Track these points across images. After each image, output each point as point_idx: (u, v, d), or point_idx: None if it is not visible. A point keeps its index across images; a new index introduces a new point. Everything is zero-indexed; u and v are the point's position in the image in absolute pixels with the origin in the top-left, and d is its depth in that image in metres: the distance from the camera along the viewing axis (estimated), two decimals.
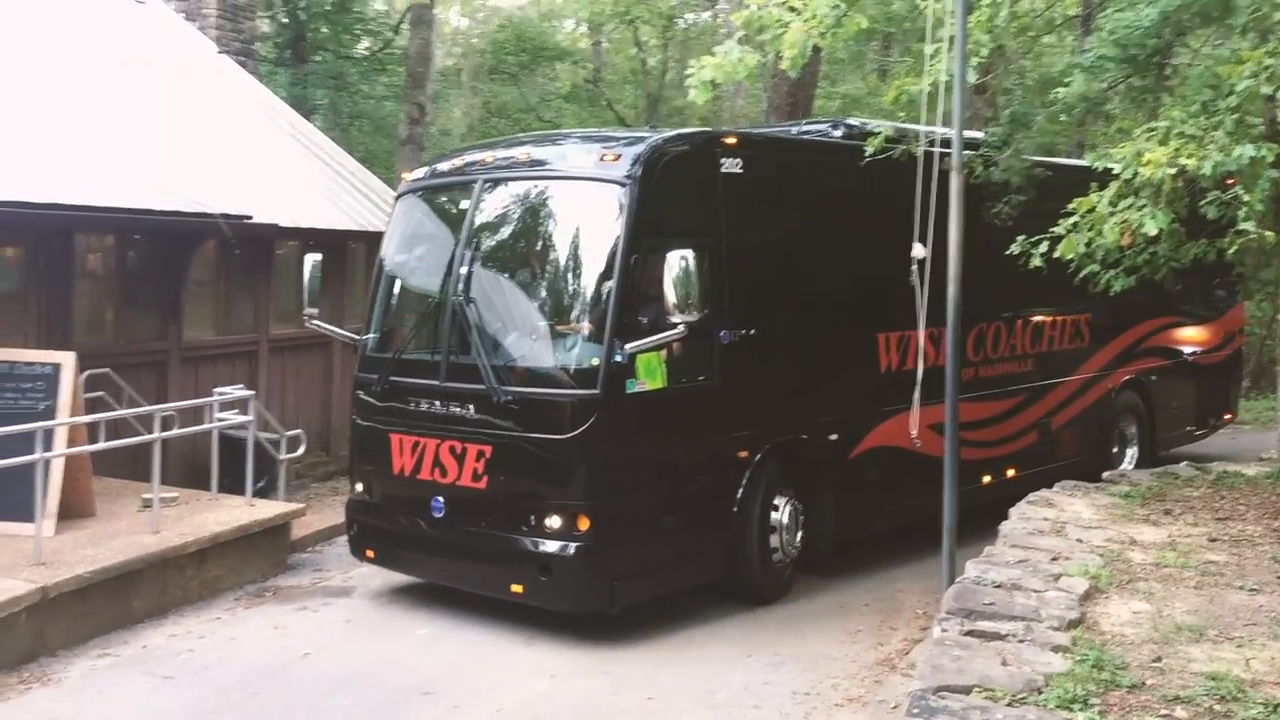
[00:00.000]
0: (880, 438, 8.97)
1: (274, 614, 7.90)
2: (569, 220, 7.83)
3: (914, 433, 7.70)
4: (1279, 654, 5.12)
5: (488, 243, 7.96)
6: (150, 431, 8.53)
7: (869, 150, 8.31)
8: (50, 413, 8.39)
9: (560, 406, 7.26)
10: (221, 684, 6.71)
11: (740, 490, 7.89)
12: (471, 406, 7.52)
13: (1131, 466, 11.16)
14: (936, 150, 7.29)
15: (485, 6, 29.51)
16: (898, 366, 9.11)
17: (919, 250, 7.10)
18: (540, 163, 8.02)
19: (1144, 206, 6.90)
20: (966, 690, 4.58)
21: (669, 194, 7.62)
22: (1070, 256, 7.36)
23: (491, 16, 29.11)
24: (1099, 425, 11.34)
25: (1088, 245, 7.26)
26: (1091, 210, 7.23)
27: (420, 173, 8.81)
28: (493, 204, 8.06)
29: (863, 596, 8.37)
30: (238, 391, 9.73)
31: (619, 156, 7.51)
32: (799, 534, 8.38)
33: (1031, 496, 8.55)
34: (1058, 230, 7.40)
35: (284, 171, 13.02)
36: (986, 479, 9.94)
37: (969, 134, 7.95)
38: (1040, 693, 4.58)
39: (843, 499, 8.71)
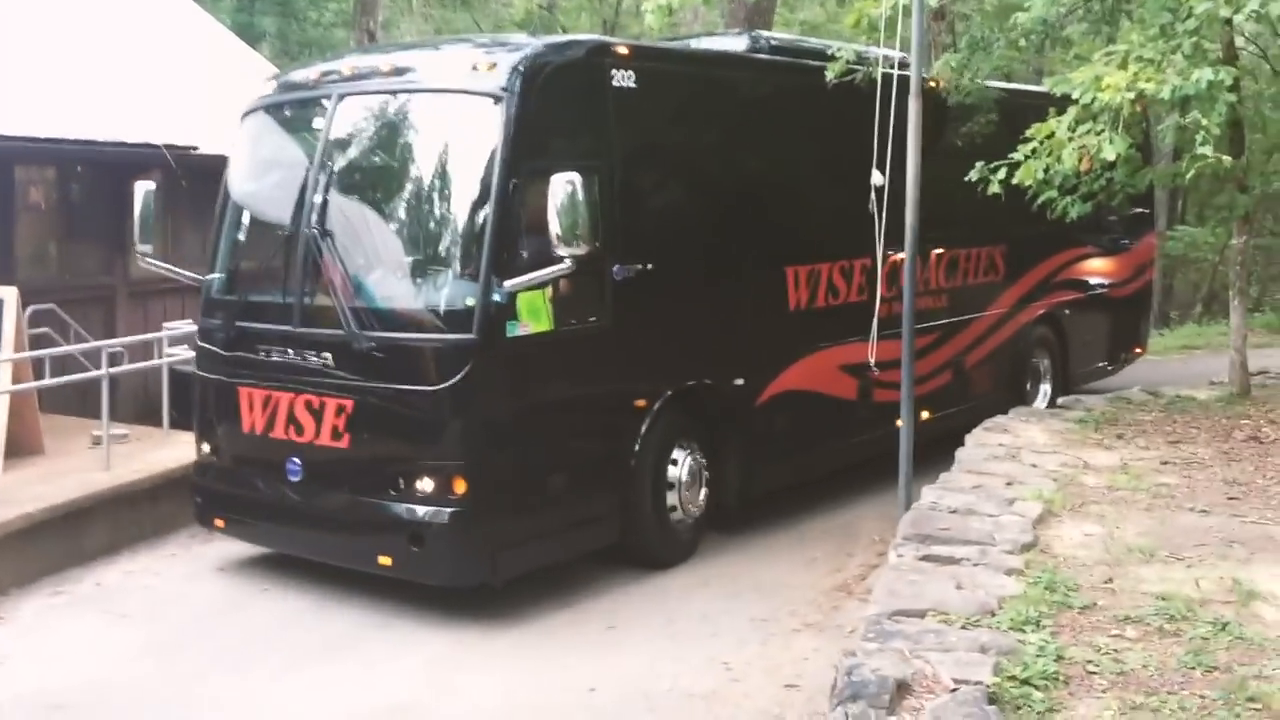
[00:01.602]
0: (790, 381, 8.30)
1: (230, 550, 7.83)
2: (438, 139, 6.87)
3: (872, 360, 7.65)
4: (1228, 574, 5.20)
5: (345, 167, 6.98)
6: (98, 368, 8.37)
7: (830, 74, 8.04)
8: None
9: (430, 353, 6.41)
10: (178, 620, 6.66)
11: (637, 444, 7.10)
12: (329, 355, 6.63)
13: (1044, 404, 10.81)
14: (892, 73, 7.19)
15: None
16: (807, 304, 8.42)
17: (877, 177, 7.06)
18: (404, 72, 7.04)
19: (1102, 131, 6.87)
20: (921, 614, 4.61)
21: (552, 109, 6.72)
22: (1028, 182, 7.34)
23: None
24: (1012, 362, 10.80)
25: (1046, 171, 7.24)
26: (1050, 136, 7.20)
27: (270, 86, 7.70)
28: (350, 121, 7.05)
29: (820, 524, 8.41)
30: (187, 327, 9.56)
31: (494, 65, 6.57)
32: (702, 490, 7.64)
33: (987, 423, 8.61)
34: (1015, 156, 7.37)
35: (230, 102, 12.69)
36: (900, 423, 9.54)
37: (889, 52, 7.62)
38: (994, 615, 4.63)
39: (750, 450, 7.97)
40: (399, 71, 7.03)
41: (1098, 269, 11.75)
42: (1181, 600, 4.83)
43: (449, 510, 6.30)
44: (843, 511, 8.66)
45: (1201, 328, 20.72)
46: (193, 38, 13.54)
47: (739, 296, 7.93)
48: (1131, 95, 6.72)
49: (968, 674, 4.03)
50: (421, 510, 6.35)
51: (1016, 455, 7.40)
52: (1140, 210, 11.82)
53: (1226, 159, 7.43)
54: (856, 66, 8.02)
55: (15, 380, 8.25)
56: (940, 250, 9.52)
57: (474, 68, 6.63)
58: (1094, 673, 4.17)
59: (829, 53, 8.55)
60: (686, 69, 7.98)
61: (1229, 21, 7.15)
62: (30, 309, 9.10)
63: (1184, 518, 6.10)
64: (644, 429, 7.13)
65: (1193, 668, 4.21)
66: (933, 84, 8.28)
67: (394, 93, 6.98)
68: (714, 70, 8.20)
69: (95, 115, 10.10)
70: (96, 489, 7.76)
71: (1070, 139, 7.02)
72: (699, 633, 6.39)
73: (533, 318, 6.47)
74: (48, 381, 8.50)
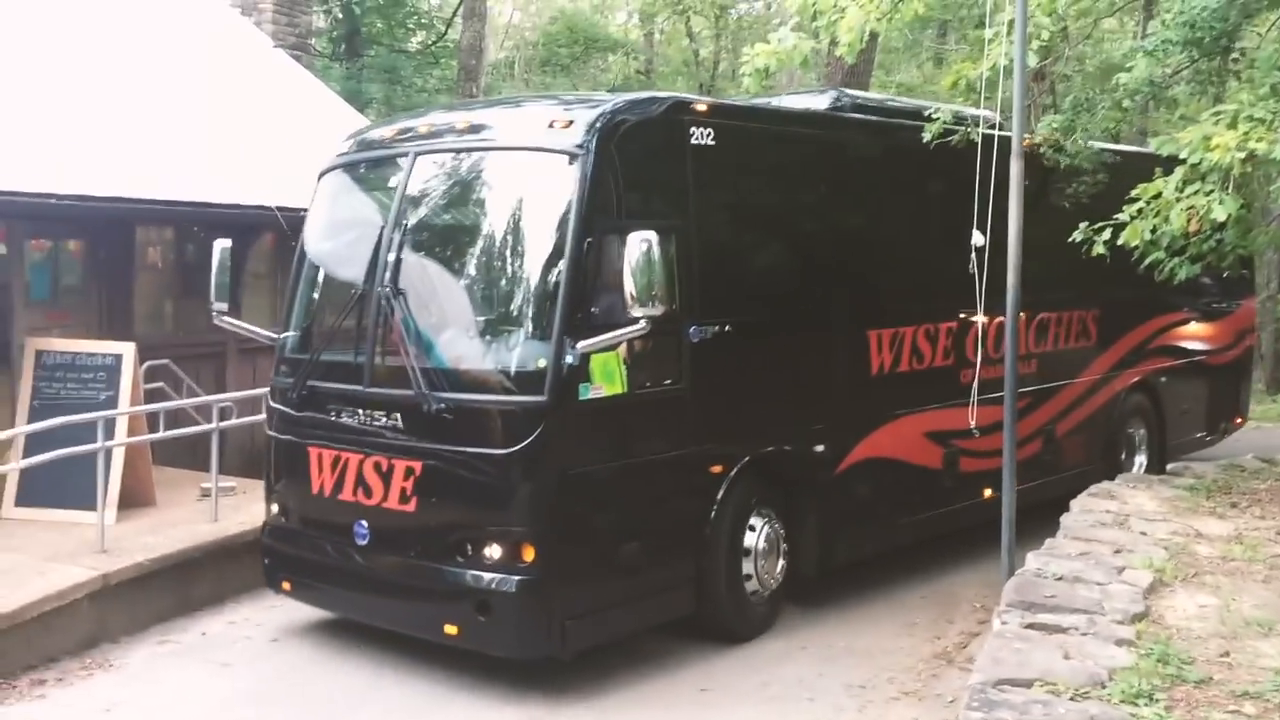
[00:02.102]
0: (872, 448, 7.99)
1: None
2: (513, 197, 6.70)
3: (973, 423, 7.50)
4: None
5: (420, 225, 6.85)
6: (209, 421, 8.62)
7: (927, 135, 8.02)
8: (112, 403, 8.53)
9: (501, 415, 6.21)
10: (275, 672, 6.78)
11: (713, 511, 6.85)
12: (399, 416, 6.47)
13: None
14: (992, 134, 7.15)
15: None
16: (890, 368, 8.14)
17: (978, 238, 6.99)
18: (481, 130, 6.92)
19: (1211, 192, 6.73)
20: (1028, 684, 4.49)
21: (629, 167, 6.50)
22: (1135, 243, 7.21)
23: (544, 9, 29.20)
24: (1106, 431, 10.33)
25: (1153, 232, 7.10)
26: (1157, 196, 7.07)
27: (347, 144, 7.60)
28: (426, 179, 6.92)
29: (919, 590, 8.25)
30: None
31: (571, 123, 6.44)
32: (780, 561, 7.34)
33: (1093, 489, 8.39)
34: (1121, 217, 7.25)
35: None
36: (988, 493, 8.53)
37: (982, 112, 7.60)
38: (1104, 687, 4.48)
39: (830, 519, 7.66)
40: (475, 129, 6.91)
41: (1195, 334, 11.35)
42: None
43: (517, 578, 6.07)
44: (942, 577, 8.50)
45: None
46: (305, 103, 14.03)
47: (819, 360, 7.73)
48: (1242, 155, 6.58)
49: None
50: (489, 578, 6.14)
51: (1124, 522, 7.20)
52: (1240, 273, 11.13)
53: None
54: (954, 127, 7.98)
55: (130, 433, 8.53)
56: (1031, 313, 9.05)
57: (550, 125, 6.51)
58: None
59: (919, 112, 8.54)
60: (767, 127, 7.76)
61: None
62: (146, 364, 9.44)
63: None
64: (720, 496, 6.88)
65: None
66: (1026, 143, 8.13)
67: (470, 150, 6.87)
68: (795, 128, 8.04)
69: (212, 177, 10.50)
70: (204, 540, 7.97)
71: (1178, 199, 6.88)
72: (795, 697, 6.30)
73: (606, 380, 6.27)
74: (161, 435, 8.77)
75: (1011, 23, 6.95)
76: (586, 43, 25.74)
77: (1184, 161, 6.96)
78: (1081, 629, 5.13)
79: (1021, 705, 4.26)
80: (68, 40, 11.23)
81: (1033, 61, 8.16)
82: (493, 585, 6.12)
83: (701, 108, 7.09)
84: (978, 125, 7.90)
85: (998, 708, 4.24)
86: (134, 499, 8.61)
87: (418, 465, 6.36)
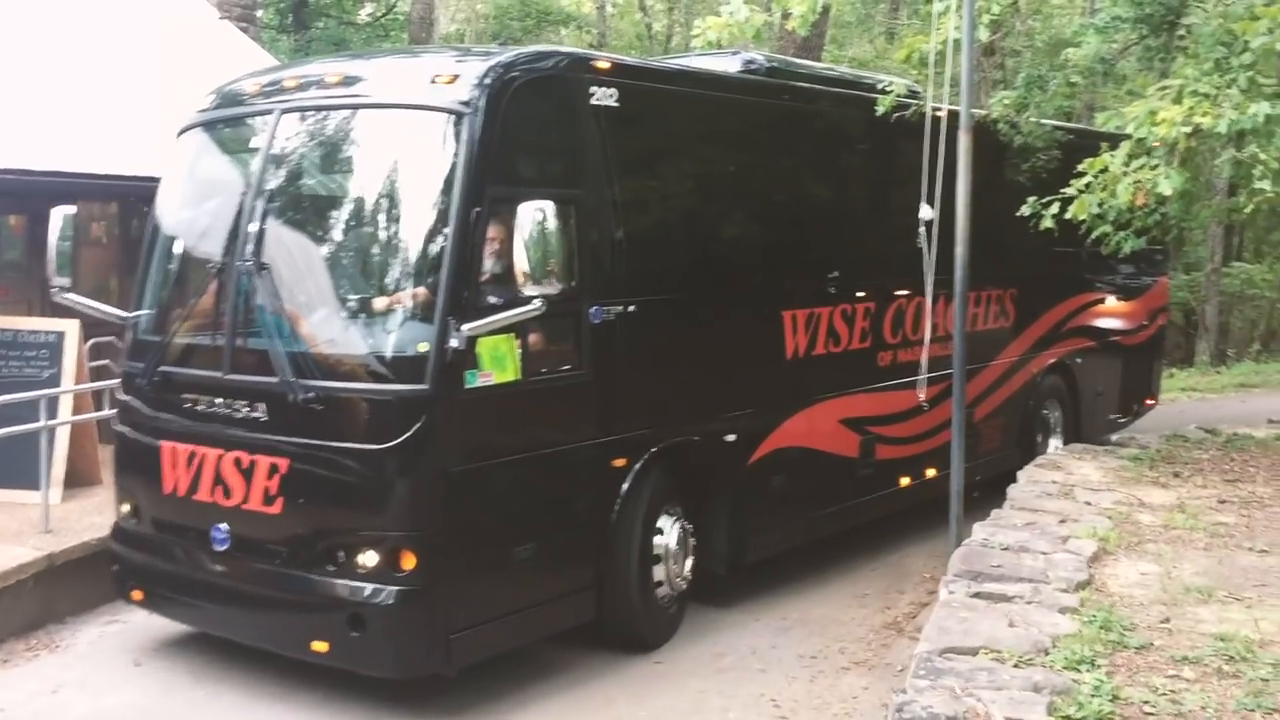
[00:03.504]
0: (786, 437, 7.49)
1: None
2: (391, 161, 6.03)
3: (923, 396, 7.54)
4: None
5: (285, 192, 6.18)
6: None
7: (880, 109, 7.92)
8: (55, 380, 8.39)
9: (377, 407, 5.60)
10: (229, 649, 6.72)
11: (615, 508, 6.32)
12: (263, 406, 5.79)
13: None
14: (940, 108, 7.17)
15: None
16: (806, 351, 7.64)
17: (926, 211, 7.01)
18: (355, 84, 6.24)
19: (1157, 166, 6.82)
20: (973, 652, 4.56)
21: (522, 129, 5.94)
22: (1082, 217, 7.29)
23: None
24: (1023, 414, 9.95)
25: (1100, 206, 7.18)
26: (1104, 170, 7.15)
27: (209, 99, 6.77)
28: (293, 140, 6.23)
29: (870, 561, 8.33)
30: None
31: (456, 78, 5.77)
32: (689, 560, 6.87)
33: (1039, 459, 8.53)
34: (1069, 190, 7.32)
35: None
36: (905, 481, 8.52)
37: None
38: (1048, 654, 4.56)
39: (742, 514, 7.19)
40: (349, 83, 6.22)
41: (1110, 313, 11.10)
42: (1240, 641, 4.74)
43: (395, 589, 5.46)
44: (893, 549, 8.59)
45: (1259, 366, 20.40)
46: None
47: (731, 343, 7.17)
48: (1187, 129, 6.66)
49: (1021, 713, 3.98)
50: (363, 588, 5.51)
51: (1070, 492, 7.31)
52: (1154, 250, 10.99)
53: None
54: (908, 100, 7.95)
55: (76, 411, 8.39)
56: (950, 293, 8.15)
57: (433, 80, 5.83)
58: (1151, 714, 4.10)
59: (839, 79, 8.42)
60: (674, 89, 7.09)
61: None
62: (91, 341, 9.28)
63: (1242, 557, 5.99)
64: (624, 491, 6.33)
65: (1252, 710, 4.13)
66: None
67: (342, 108, 6.19)
68: (705, 91, 7.30)
69: (155, 150, 10.32)
70: None
71: (1125, 173, 6.96)
72: (748, 668, 6.35)
73: (496, 366, 5.68)
74: (106, 413, 8.63)
75: None
76: (539, 16, 25.46)
77: (1129, 137, 7.04)
78: (1026, 597, 5.22)
79: (967, 673, 4.33)
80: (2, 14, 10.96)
81: (983, 36, 8.20)
82: (367, 597, 5.48)
83: (603, 65, 6.43)
84: (913, 96, 7.94)
85: (944, 675, 4.30)
86: (81, 478, 8.48)
87: (283, 462, 5.70)
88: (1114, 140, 7.49)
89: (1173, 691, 4.26)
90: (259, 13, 16.70)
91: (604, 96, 6.30)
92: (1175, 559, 5.93)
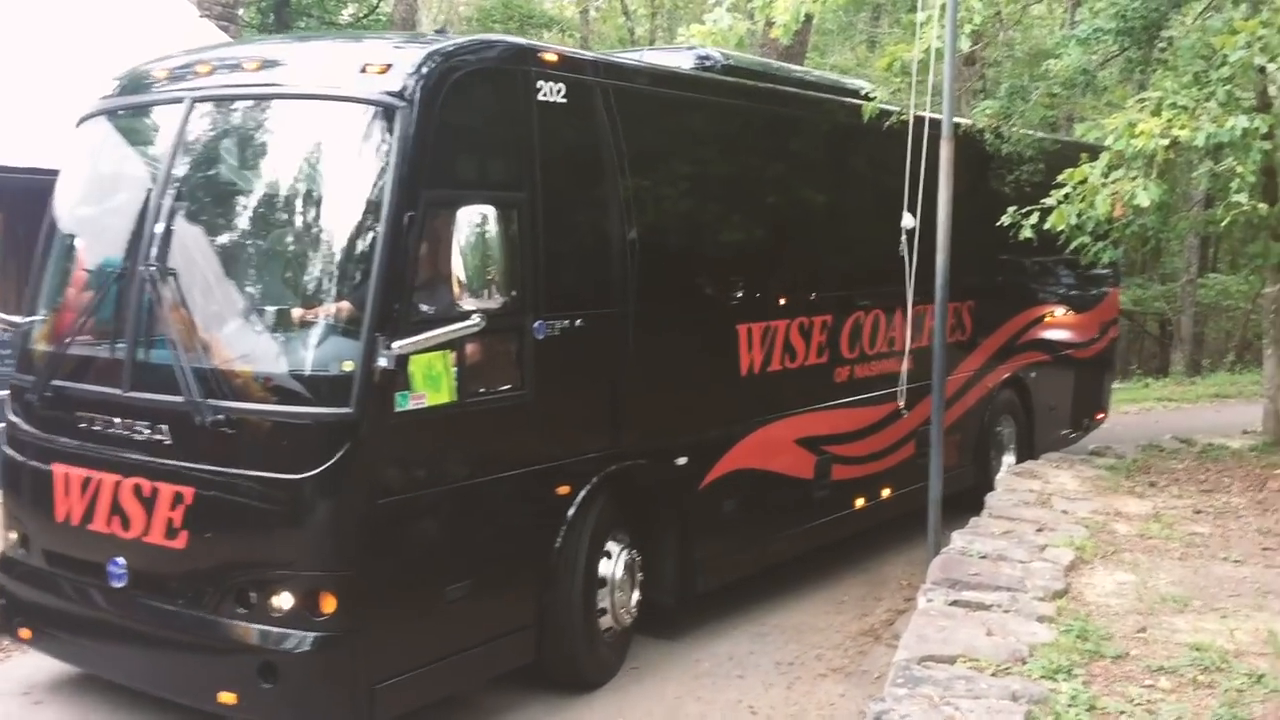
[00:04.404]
0: (739, 459, 7.03)
1: None
2: (314, 158, 5.47)
3: (902, 404, 7.57)
4: (1262, 625, 5.14)
5: (198, 189, 5.53)
6: None
7: (865, 116, 7.90)
8: None
9: (295, 431, 4.96)
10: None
11: (559, 538, 5.82)
12: (166, 428, 5.18)
13: None
14: (923, 115, 7.21)
15: None
16: (761, 367, 7.18)
17: (909, 220, 7.04)
18: (277, 72, 5.62)
19: (1136, 177, 6.88)
20: (951, 660, 4.57)
21: (462, 125, 5.39)
22: (1061, 228, 7.35)
23: None
24: (979, 430, 9.58)
25: (1079, 217, 7.24)
26: (1083, 182, 7.20)
27: (113, 86, 6.10)
28: (205, 132, 5.59)
29: (848, 568, 8.35)
30: None
31: (389, 67, 5.19)
32: (636, 592, 6.40)
33: (1017, 468, 8.59)
34: (1048, 201, 7.38)
35: None
36: (860, 502, 8.14)
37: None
38: (1025, 663, 4.58)
39: (693, 542, 6.71)
40: (270, 70, 5.60)
41: (1063, 327, 10.85)
42: (1216, 651, 4.77)
43: (312, 635, 4.89)
44: (870, 555, 8.60)
45: (1234, 376, 20.56)
46: None
47: (684, 359, 6.69)
48: (1165, 141, 6.73)
49: None
50: (276, 634, 4.93)
51: (1047, 501, 7.36)
52: (1109, 262, 10.60)
53: (1261, 206, 7.42)
54: (889, 108, 7.96)
55: None
56: (901, 308, 7.96)
57: (363, 69, 5.25)
58: None
59: (801, 80, 8.19)
60: (627, 85, 6.47)
61: (1263, 70, 7.15)
62: None
63: (1218, 567, 6.04)
64: (568, 520, 5.85)
65: None
66: (902, 120, 7.76)
67: (261, 98, 5.57)
68: (659, 89, 6.77)
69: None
70: None
71: (1104, 184, 7.02)
72: (725, 674, 6.34)
73: (429, 387, 5.12)
74: None
75: (944, 6, 7.02)
76: (521, 19, 25.45)
77: (1102, 148, 7.10)
78: (1004, 606, 5.24)
79: (945, 681, 4.34)
80: None
81: (965, 45, 8.24)
82: (281, 644, 4.91)
83: (550, 58, 5.88)
84: (868, 99, 7.88)
85: (922, 683, 4.32)
86: None
87: (188, 491, 5.10)
88: (1091, 150, 7.53)
89: (1149, 701, 4.29)
90: (240, 11, 16.61)
91: (551, 92, 5.79)
92: (1151, 569, 5.97)
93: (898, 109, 7.84)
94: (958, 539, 6.36)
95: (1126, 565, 6.02)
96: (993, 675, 4.44)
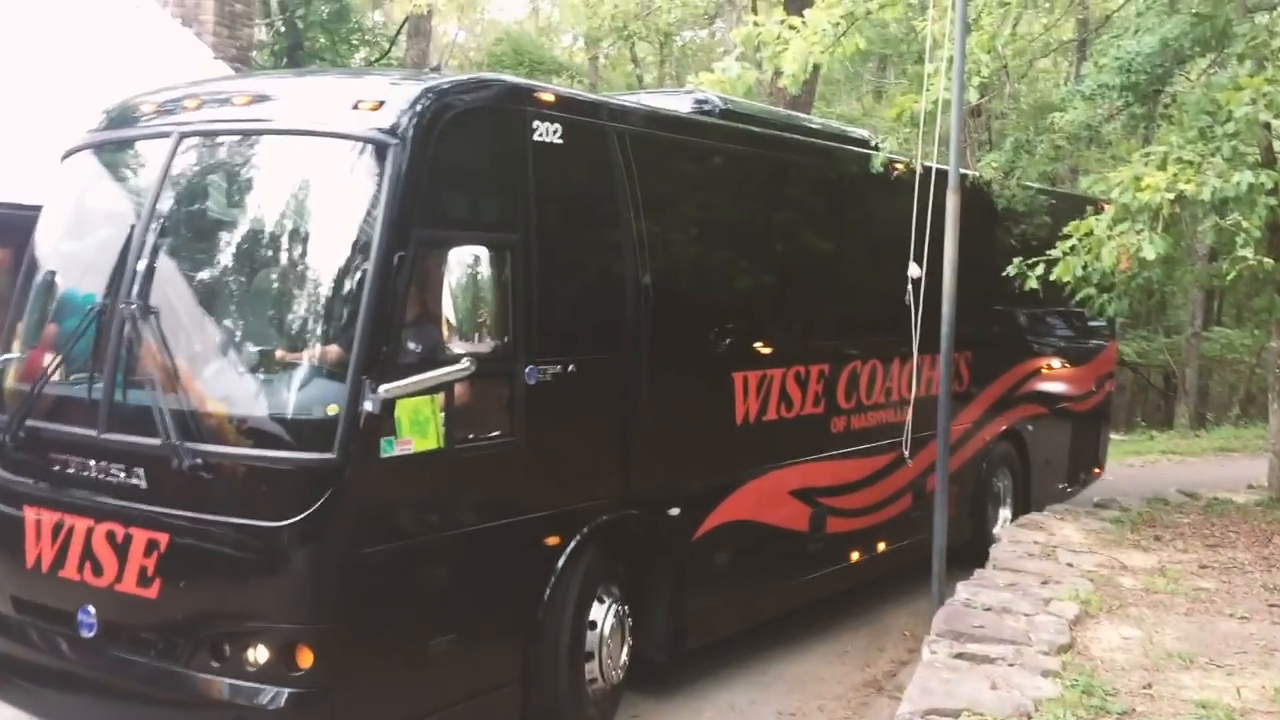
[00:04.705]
0: (733, 510, 6.84)
1: None
2: (302, 196, 5.29)
3: (907, 452, 7.56)
4: (1269, 682, 5.09)
5: (182, 226, 5.36)
6: None
7: (876, 167, 7.90)
8: None
9: (275, 477, 4.80)
10: None
11: (547, 591, 5.61)
12: (142, 472, 5.00)
13: (1003, 530, 9.37)
14: (930, 166, 7.26)
15: (483, 20, 29.58)
16: (757, 416, 7.00)
17: (914, 270, 7.07)
18: (267, 107, 5.46)
19: (1141, 230, 6.91)
20: (955, 714, 4.53)
21: (455, 164, 5.26)
22: (1066, 279, 7.37)
23: (489, 29, 29.18)
24: (976, 483, 9.38)
25: (1084, 268, 7.26)
26: (1089, 234, 7.24)
27: (99, 120, 5.98)
28: (191, 168, 5.44)
29: (850, 617, 8.30)
30: None
31: (381, 104, 5.08)
32: (625, 648, 6.17)
33: (1021, 519, 8.56)
34: (1054, 253, 7.41)
35: None
36: (855, 555, 7.97)
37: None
38: (1030, 717, 4.54)
39: (685, 595, 6.50)
40: (260, 105, 5.46)
41: (1060, 380, 10.70)
42: (1222, 709, 4.73)
43: (289, 691, 4.68)
44: (873, 605, 8.55)
45: (1239, 430, 20.52)
46: None
47: (677, 407, 6.47)
48: (1171, 196, 6.76)
49: None
50: (251, 689, 4.73)
51: (1052, 554, 7.32)
52: (1099, 318, 10.53)
53: (1267, 261, 7.44)
54: (898, 158, 7.99)
55: None
56: (904, 358, 7.91)
57: (355, 105, 5.13)
58: None
59: (798, 126, 8.14)
60: (625, 127, 6.32)
61: (1268, 126, 7.20)
62: None
63: (1223, 624, 5.99)
64: (557, 573, 5.64)
65: None
66: (901, 168, 7.86)
67: (250, 134, 5.41)
68: (656, 132, 6.58)
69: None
70: None
71: (1109, 237, 7.05)
72: None
73: (417, 432, 4.94)
74: None
75: (951, 59, 7.09)
76: (531, 65, 25.72)
77: (1108, 201, 7.14)
78: (1009, 659, 5.20)
79: None
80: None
81: (973, 98, 8.31)
82: (255, 700, 4.71)
83: (547, 98, 5.75)
84: (868, 146, 7.93)
85: None
86: None
87: (163, 538, 4.90)
88: (1092, 203, 7.57)
89: None
90: (254, 54, 16.80)
91: (547, 132, 5.66)
92: (1157, 623, 5.93)
93: (905, 159, 7.90)
94: (962, 590, 6.32)
95: (1132, 620, 5.98)
96: None
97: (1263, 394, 16.00)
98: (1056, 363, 10.59)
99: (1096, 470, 11.48)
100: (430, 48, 22.10)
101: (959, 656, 5.25)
